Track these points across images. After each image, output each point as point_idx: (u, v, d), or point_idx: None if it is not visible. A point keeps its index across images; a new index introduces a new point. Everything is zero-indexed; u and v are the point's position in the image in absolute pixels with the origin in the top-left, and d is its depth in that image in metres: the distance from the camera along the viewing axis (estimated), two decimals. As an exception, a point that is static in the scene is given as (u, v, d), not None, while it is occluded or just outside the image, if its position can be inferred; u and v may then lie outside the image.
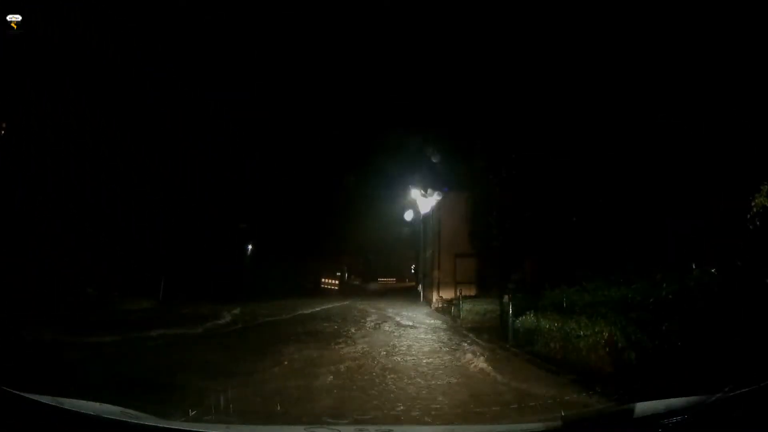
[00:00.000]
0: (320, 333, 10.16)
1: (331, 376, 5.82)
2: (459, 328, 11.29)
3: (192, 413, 3.90)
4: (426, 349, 8.28)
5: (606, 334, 5.79)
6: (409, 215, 25.77)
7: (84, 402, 1.84)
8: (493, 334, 9.23)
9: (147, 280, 16.95)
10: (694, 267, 6.33)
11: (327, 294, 25.68)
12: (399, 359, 7.23)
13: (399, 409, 4.57)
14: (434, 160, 22.20)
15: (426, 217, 23.11)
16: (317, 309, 16.88)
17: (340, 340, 9.05)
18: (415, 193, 23.97)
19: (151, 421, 1.94)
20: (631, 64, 10.48)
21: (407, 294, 27.35)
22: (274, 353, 7.26)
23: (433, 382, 5.71)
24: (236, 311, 13.95)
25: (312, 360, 6.87)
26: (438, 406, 4.66)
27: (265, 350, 7.53)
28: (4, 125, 13.19)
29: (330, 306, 18.50)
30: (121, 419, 1.74)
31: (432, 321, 13.59)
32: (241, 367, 6.18)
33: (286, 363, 6.59)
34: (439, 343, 8.89)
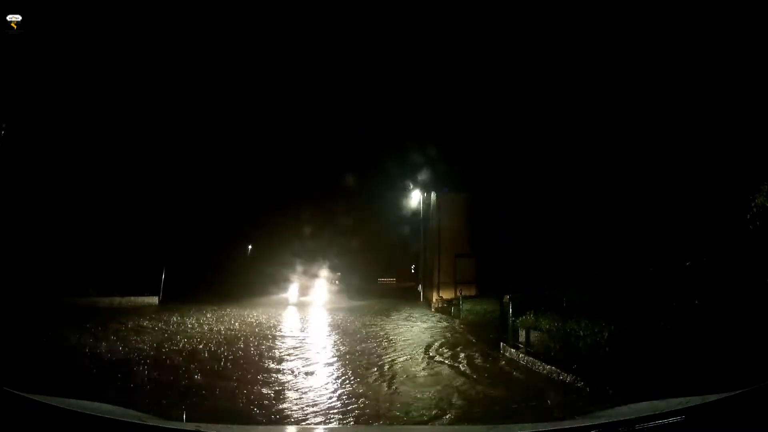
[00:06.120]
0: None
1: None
2: (458, 328, 11.29)
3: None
4: (427, 347, 8.30)
5: (606, 334, 5.79)
6: (409, 215, 25.78)
7: (85, 402, 1.84)
8: (493, 335, 9.23)
9: (147, 279, 16.97)
10: (689, 264, 6.33)
11: (327, 293, 25.65)
12: (398, 359, 7.26)
13: (399, 411, 4.58)
14: (435, 160, 22.22)
15: (426, 217, 23.10)
16: (319, 306, 16.95)
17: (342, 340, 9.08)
18: (416, 194, 24.00)
19: (151, 421, 1.95)
20: (630, 64, 10.48)
21: (407, 294, 27.34)
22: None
23: (432, 381, 5.74)
24: (230, 316, 13.92)
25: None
26: (438, 407, 4.67)
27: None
28: (4, 125, 13.17)
29: (331, 306, 18.54)
30: (122, 419, 1.74)
31: (432, 320, 13.58)
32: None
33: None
34: (440, 343, 8.90)
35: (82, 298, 13.86)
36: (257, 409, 4.41)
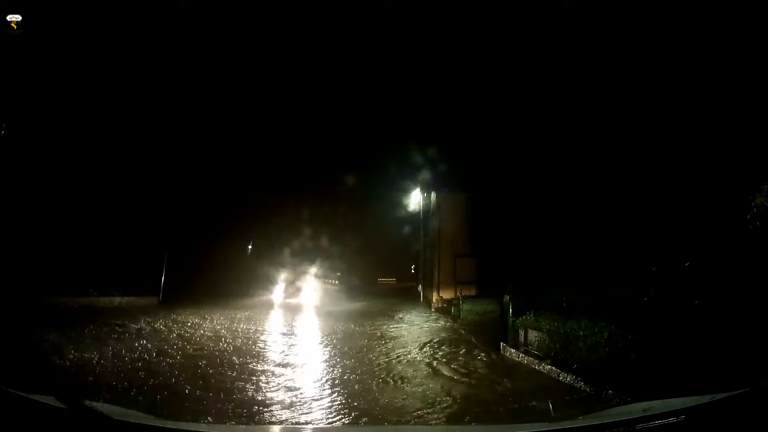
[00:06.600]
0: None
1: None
2: (459, 328, 11.29)
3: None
4: (428, 348, 8.31)
5: (606, 334, 5.78)
6: (409, 215, 25.74)
7: (85, 402, 1.84)
8: (493, 335, 9.23)
9: (148, 279, 16.96)
10: (689, 264, 6.32)
11: (326, 293, 25.69)
12: (399, 360, 7.26)
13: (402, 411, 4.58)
14: (434, 160, 22.21)
15: (426, 217, 23.08)
16: (318, 307, 16.97)
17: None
18: (416, 194, 23.97)
19: (152, 421, 1.95)
20: (631, 65, 10.48)
21: (407, 294, 27.35)
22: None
23: (433, 381, 5.74)
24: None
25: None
26: (439, 407, 4.67)
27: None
28: (4, 125, 13.15)
29: (330, 307, 18.55)
30: (122, 419, 1.74)
31: (432, 320, 13.59)
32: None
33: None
34: (441, 343, 8.91)
35: (84, 298, 13.88)
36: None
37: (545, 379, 5.93)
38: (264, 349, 8.13)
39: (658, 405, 1.74)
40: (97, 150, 16.74)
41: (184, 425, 2.08)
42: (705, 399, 1.62)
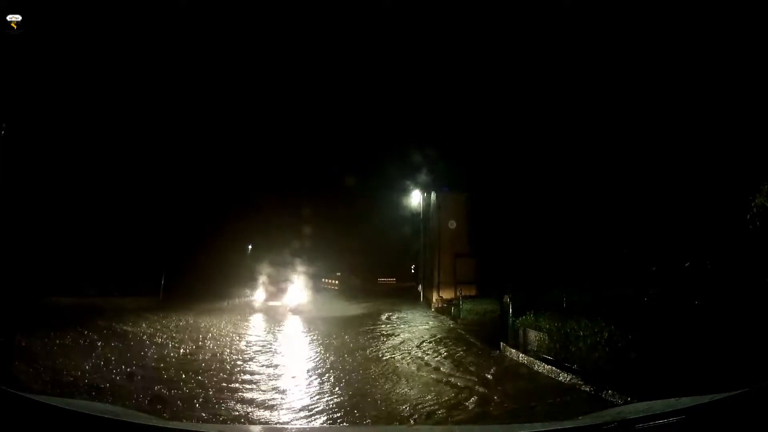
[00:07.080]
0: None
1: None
2: (459, 328, 11.29)
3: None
4: (428, 349, 8.32)
5: (606, 334, 5.78)
6: (409, 215, 25.72)
7: (85, 402, 1.85)
8: (493, 334, 9.23)
9: (148, 279, 16.96)
10: (689, 265, 6.31)
11: (325, 295, 25.70)
12: (399, 359, 7.27)
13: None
14: (435, 160, 22.20)
15: (426, 217, 23.07)
16: (318, 308, 17.01)
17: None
18: (416, 194, 23.96)
19: (152, 421, 1.95)
20: (631, 65, 10.49)
21: (407, 294, 27.35)
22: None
23: (433, 382, 5.75)
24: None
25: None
26: (439, 407, 4.67)
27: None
28: (4, 125, 13.15)
29: (330, 309, 18.57)
30: (122, 419, 1.74)
31: (432, 320, 13.60)
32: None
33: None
34: (441, 344, 8.92)
35: (84, 298, 13.91)
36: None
37: (545, 379, 5.93)
38: (268, 349, 8.14)
39: (658, 405, 1.75)
40: (97, 150, 16.77)
41: (182, 425, 2.09)
42: (705, 399, 1.62)
